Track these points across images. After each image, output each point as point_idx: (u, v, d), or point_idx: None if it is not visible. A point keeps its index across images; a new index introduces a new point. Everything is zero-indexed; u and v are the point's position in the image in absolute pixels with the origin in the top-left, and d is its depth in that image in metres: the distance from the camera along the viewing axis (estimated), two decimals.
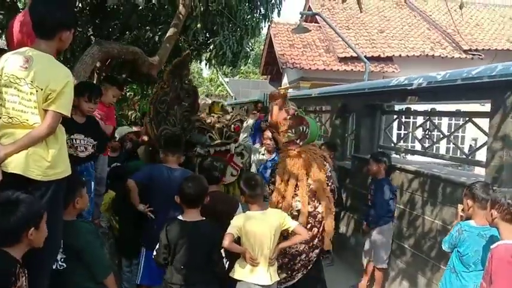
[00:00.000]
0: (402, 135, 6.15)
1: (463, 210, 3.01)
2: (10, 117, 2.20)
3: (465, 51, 13.26)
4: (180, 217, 2.84)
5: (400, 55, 13.04)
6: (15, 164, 2.16)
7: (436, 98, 3.97)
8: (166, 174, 3.47)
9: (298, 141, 3.68)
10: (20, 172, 2.16)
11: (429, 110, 4.53)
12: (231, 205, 3.27)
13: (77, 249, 2.60)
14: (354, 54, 11.16)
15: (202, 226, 2.81)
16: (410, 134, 5.25)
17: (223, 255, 2.82)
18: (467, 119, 3.78)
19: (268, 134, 5.00)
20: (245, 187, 2.95)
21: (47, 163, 2.21)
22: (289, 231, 2.98)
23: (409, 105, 4.57)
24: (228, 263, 2.88)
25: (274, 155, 5.06)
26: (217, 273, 2.81)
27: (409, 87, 4.09)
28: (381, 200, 4.17)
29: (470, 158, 3.86)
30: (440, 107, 4.50)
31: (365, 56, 12.23)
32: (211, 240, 2.76)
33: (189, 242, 2.72)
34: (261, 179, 3.06)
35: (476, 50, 13.35)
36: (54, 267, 2.49)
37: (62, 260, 2.57)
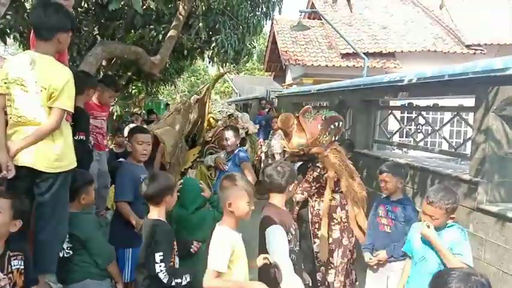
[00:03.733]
0: (403, 130, 6.22)
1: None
2: (19, 116, 2.39)
3: (467, 46, 13.30)
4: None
5: (401, 51, 13.11)
6: (24, 158, 2.36)
7: (425, 93, 4.12)
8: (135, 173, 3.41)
9: (334, 139, 3.83)
10: (29, 165, 2.36)
11: (425, 106, 4.67)
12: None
13: (80, 239, 2.80)
14: (359, 50, 11.27)
15: (153, 225, 2.60)
16: (406, 129, 5.41)
17: (160, 259, 2.46)
18: (455, 113, 3.93)
19: (227, 135, 4.65)
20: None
21: (54, 156, 2.41)
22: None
23: (411, 101, 4.70)
24: (165, 268, 2.45)
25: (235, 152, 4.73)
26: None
27: (400, 84, 4.25)
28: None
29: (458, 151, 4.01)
30: (446, 102, 4.43)
31: (367, 52, 12.36)
32: (150, 240, 2.53)
33: (143, 239, 2.63)
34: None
35: (479, 44, 13.38)
36: (61, 255, 2.70)
37: (68, 248, 2.78)
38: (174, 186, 2.79)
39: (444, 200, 2.52)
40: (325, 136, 3.72)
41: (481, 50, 13.25)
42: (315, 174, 3.76)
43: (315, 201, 3.82)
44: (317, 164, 3.77)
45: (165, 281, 2.42)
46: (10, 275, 2.05)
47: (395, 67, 12.78)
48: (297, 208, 3.91)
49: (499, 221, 3.02)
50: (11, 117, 2.42)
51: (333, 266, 3.69)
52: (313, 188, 3.78)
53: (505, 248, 2.95)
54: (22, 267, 2.15)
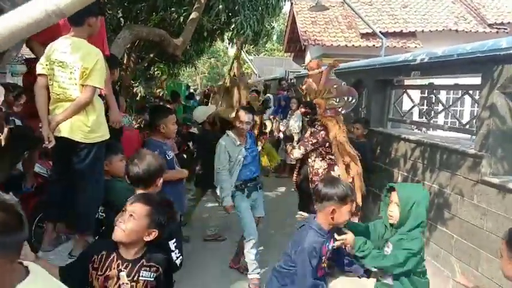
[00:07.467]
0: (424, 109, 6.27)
1: None
2: (58, 94, 2.75)
3: (490, 25, 13.08)
4: None
5: (422, 30, 12.99)
6: (62, 129, 2.72)
7: (436, 72, 4.27)
8: None
9: (340, 110, 4.05)
10: (66, 135, 2.71)
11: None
12: None
13: (112, 203, 3.12)
14: (376, 30, 11.26)
15: None
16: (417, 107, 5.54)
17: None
18: (464, 91, 4.07)
19: (249, 118, 4.02)
20: None
21: (87, 128, 2.75)
22: None
23: (431, 80, 4.80)
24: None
25: (248, 142, 4.17)
26: None
27: (412, 63, 4.39)
28: None
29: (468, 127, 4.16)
30: (465, 80, 4.47)
31: (387, 32, 12.31)
32: None
33: None
34: None
35: (501, 23, 13.13)
36: (96, 216, 3.04)
37: (102, 211, 3.11)
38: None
39: None
40: (334, 98, 3.95)
41: (504, 28, 13.00)
42: (312, 129, 4.03)
43: (314, 160, 4.07)
44: (316, 121, 4.06)
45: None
46: (133, 284, 1.92)
47: (416, 47, 12.67)
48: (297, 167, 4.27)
49: (501, 192, 3.20)
50: (52, 95, 2.77)
51: None
52: (310, 142, 4.02)
53: (505, 217, 3.14)
54: (151, 279, 1.96)
